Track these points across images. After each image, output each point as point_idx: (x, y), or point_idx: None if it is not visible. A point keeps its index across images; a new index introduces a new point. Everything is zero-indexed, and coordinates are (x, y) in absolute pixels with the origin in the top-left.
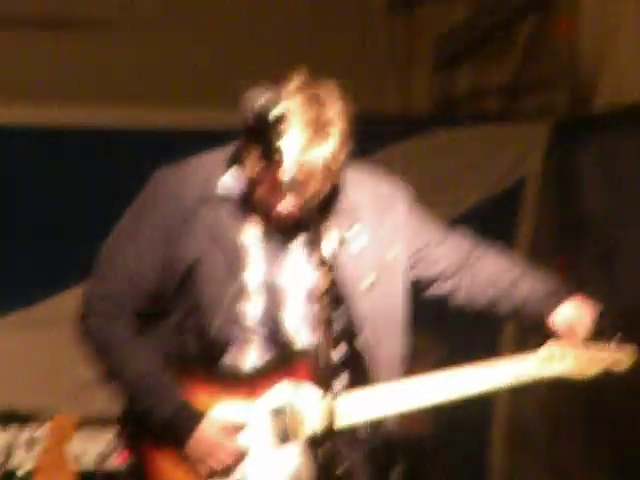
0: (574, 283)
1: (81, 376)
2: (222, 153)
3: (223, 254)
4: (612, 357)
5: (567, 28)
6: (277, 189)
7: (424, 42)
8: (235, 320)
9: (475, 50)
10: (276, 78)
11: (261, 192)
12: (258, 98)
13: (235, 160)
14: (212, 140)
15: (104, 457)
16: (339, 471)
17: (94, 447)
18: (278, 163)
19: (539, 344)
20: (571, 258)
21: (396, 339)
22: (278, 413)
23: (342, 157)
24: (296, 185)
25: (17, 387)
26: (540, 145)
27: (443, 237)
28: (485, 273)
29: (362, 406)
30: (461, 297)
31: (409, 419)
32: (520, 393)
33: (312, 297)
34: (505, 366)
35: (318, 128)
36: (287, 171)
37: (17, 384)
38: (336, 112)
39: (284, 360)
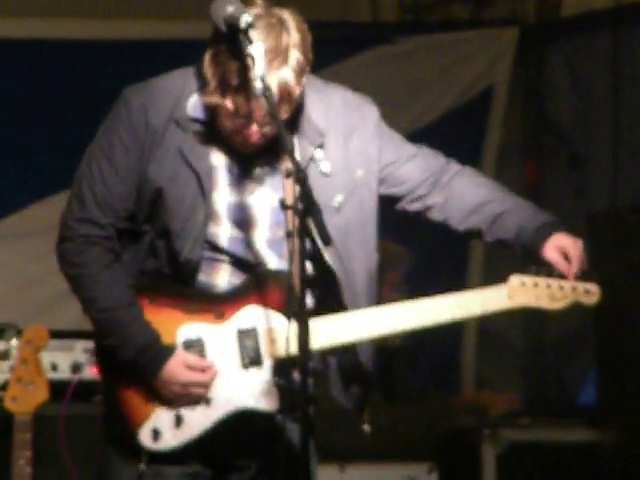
0: (542, 188)
1: (52, 288)
2: (189, 72)
3: (192, 177)
4: (583, 288)
5: None
6: (239, 118)
7: None
8: (206, 242)
9: None
10: None
11: (224, 120)
12: (226, 6)
13: (201, 83)
14: (179, 49)
15: (77, 368)
16: (311, 391)
17: (67, 358)
18: (238, 92)
19: (509, 256)
20: (540, 163)
21: (367, 255)
22: (248, 334)
23: (300, 84)
24: (254, 111)
25: None
26: (508, 51)
27: (411, 154)
28: (464, 197)
29: (333, 331)
30: (438, 217)
31: None
32: None
33: (280, 220)
34: (476, 296)
35: (277, 54)
36: (256, 86)
37: None
38: (295, 39)
39: (255, 282)
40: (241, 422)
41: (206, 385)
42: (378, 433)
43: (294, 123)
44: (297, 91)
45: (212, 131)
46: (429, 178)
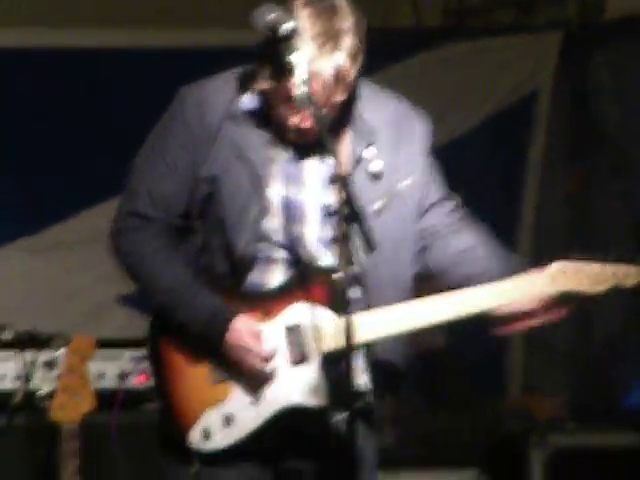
0: (588, 192)
1: (97, 298)
2: (243, 71)
3: (247, 170)
4: (622, 272)
5: None
6: (291, 104)
7: None
8: (261, 237)
9: None
10: None
11: (277, 108)
12: (267, 15)
13: (253, 78)
14: (225, 58)
15: (124, 376)
16: (355, 388)
17: (113, 367)
18: (290, 77)
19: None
20: (586, 168)
21: (401, 267)
22: (294, 331)
23: (354, 68)
24: (308, 97)
25: (34, 310)
26: (552, 56)
27: (440, 199)
28: (456, 252)
29: (376, 324)
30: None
31: (418, 336)
32: None
33: (328, 215)
34: (518, 282)
35: (329, 38)
36: (298, 84)
37: (34, 308)
38: (348, 23)
39: (302, 279)
40: (293, 420)
41: (264, 359)
42: (424, 439)
43: (347, 118)
44: (352, 74)
45: (266, 126)
46: (442, 226)
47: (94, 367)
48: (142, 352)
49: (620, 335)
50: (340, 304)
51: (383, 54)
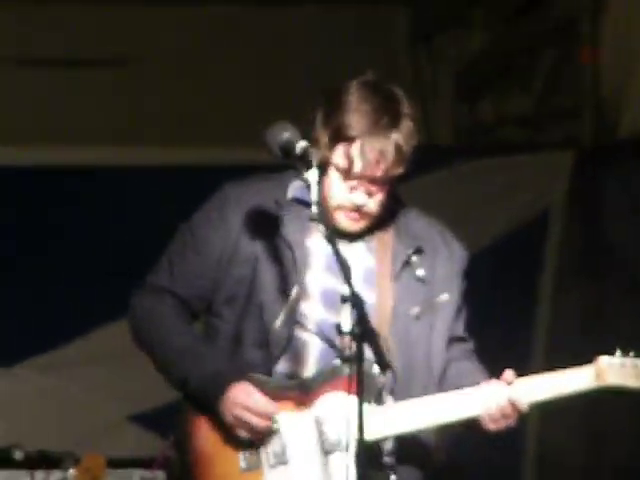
0: (603, 312)
1: (108, 417)
2: (287, 172)
3: (288, 252)
4: None
5: (590, 56)
6: (352, 171)
7: (445, 72)
8: (297, 321)
9: (497, 80)
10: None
11: (333, 184)
12: (280, 134)
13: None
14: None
15: None
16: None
17: None
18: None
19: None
20: (600, 287)
21: (431, 373)
22: (327, 421)
23: (412, 144)
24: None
25: (44, 429)
26: (564, 175)
27: (464, 337)
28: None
29: (400, 419)
30: None
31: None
32: (549, 425)
33: (339, 333)
34: (563, 376)
35: (385, 114)
36: (314, 202)
37: (45, 427)
38: (405, 107)
39: (335, 369)
40: None
41: (261, 414)
42: None
43: (392, 217)
44: (408, 151)
45: (310, 214)
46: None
47: None
48: (152, 473)
49: (634, 455)
50: (371, 396)
51: None
